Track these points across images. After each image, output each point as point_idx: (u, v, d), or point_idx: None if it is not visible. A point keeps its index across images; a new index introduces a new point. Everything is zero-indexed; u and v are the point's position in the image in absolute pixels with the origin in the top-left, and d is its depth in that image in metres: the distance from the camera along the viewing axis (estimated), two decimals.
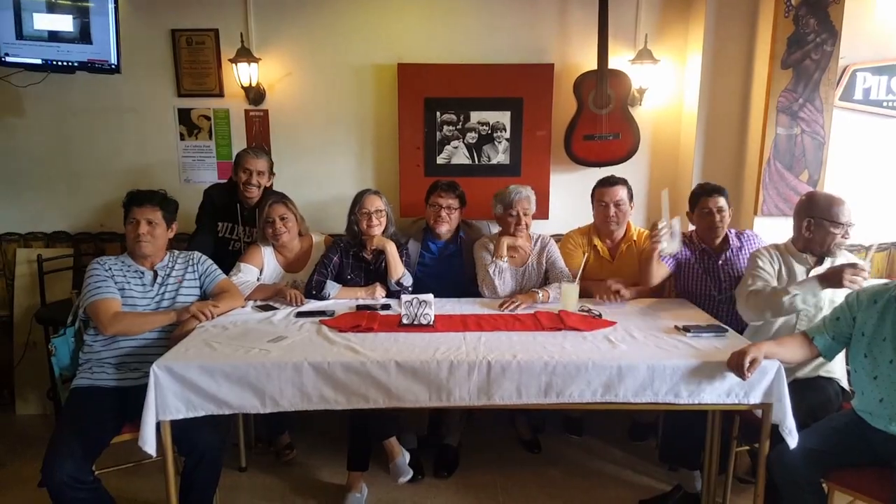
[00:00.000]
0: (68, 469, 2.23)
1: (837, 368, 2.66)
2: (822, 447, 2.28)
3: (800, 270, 2.72)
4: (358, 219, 3.20)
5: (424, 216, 3.54)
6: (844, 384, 2.66)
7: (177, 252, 2.89)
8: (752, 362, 2.19)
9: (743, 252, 3.10)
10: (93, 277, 2.64)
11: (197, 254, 2.93)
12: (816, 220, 2.65)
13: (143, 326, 2.62)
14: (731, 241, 3.13)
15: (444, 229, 3.40)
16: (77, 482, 2.25)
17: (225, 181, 3.64)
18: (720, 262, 3.10)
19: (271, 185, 3.54)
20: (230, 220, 3.51)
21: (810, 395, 2.52)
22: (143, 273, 2.74)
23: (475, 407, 2.37)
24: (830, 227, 2.63)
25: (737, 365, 2.21)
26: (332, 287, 3.09)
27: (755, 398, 2.30)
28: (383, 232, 3.22)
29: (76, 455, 2.27)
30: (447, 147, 3.89)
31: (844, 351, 2.45)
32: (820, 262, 2.69)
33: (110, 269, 2.68)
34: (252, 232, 3.47)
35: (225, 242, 3.51)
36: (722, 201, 3.07)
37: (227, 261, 3.15)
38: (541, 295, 3.05)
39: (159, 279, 2.76)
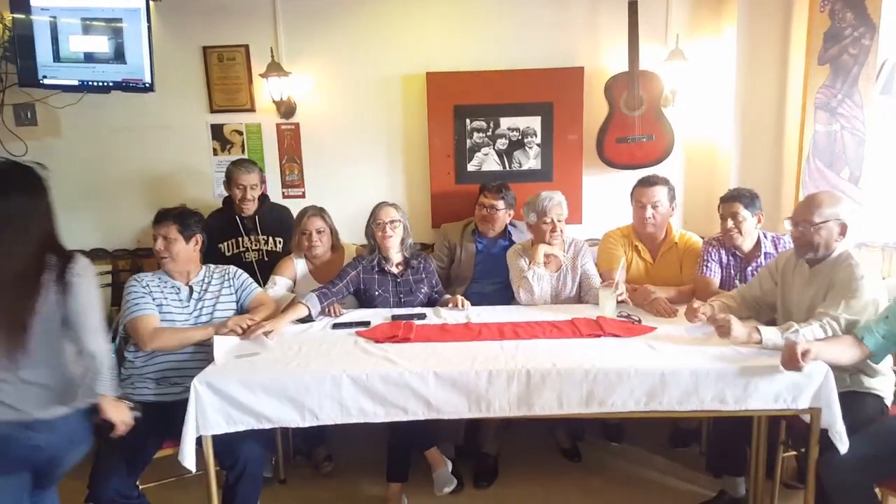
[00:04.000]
0: (114, 485, 2.27)
1: (879, 385, 2.51)
2: (875, 452, 2.21)
3: None
4: (373, 231, 3.18)
5: (471, 217, 3.67)
6: (888, 399, 2.50)
7: (212, 266, 2.90)
8: (805, 353, 2.13)
9: None
10: (131, 294, 2.67)
11: (233, 268, 2.95)
12: None
13: (181, 342, 2.64)
14: (763, 248, 3.02)
15: (488, 230, 3.50)
16: (123, 497, 2.29)
17: (220, 206, 3.71)
18: (749, 269, 3.02)
19: (264, 192, 3.64)
20: (233, 236, 3.57)
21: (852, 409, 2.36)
22: (179, 289, 2.76)
23: (515, 417, 2.34)
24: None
25: (790, 358, 2.14)
26: (311, 300, 2.94)
27: (803, 403, 2.23)
28: (401, 243, 3.18)
29: (121, 471, 2.31)
30: (478, 154, 3.88)
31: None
32: None
33: (147, 285, 2.71)
34: (259, 240, 3.56)
35: (237, 258, 3.55)
36: (738, 207, 2.96)
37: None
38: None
39: (196, 294, 2.78)
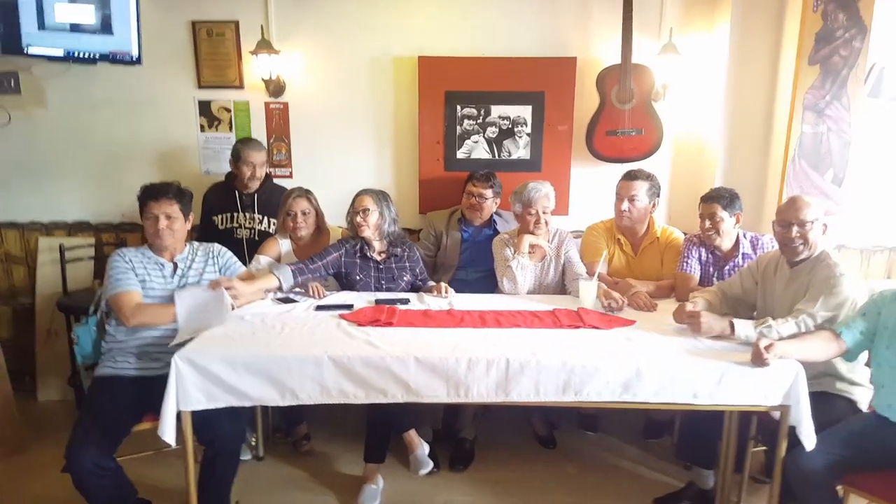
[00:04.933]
0: (91, 456, 2.27)
1: (850, 389, 2.56)
2: (840, 450, 2.26)
3: None
4: (351, 217, 3.18)
5: (458, 205, 3.70)
6: (859, 403, 2.55)
7: (196, 244, 2.89)
8: (769, 347, 2.19)
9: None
10: (114, 270, 2.65)
11: (217, 246, 2.94)
12: None
13: (164, 318, 2.62)
14: (741, 248, 3.04)
15: (475, 218, 3.56)
16: (100, 469, 2.29)
17: (222, 180, 3.71)
18: (727, 268, 3.05)
19: (266, 171, 3.65)
20: (229, 210, 3.58)
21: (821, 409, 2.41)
22: (163, 265, 2.75)
23: (492, 403, 2.37)
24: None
25: (756, 354, 2.21)
26: (284, 272, 2.96)
27: (774, 400, 2.27)
28: (376, 230, 3.12)
29: (99, 443, 2.31)
30: (467, 141, 3.88)
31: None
32: None
33: (130, 261, 2.70)
34: (254, 218, 3.57)
35: (229, 233, 3.57)
36: (716, 208, 2.96)
37: (234, 250, 3.05)
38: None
39: (179, 271, 2.77)
